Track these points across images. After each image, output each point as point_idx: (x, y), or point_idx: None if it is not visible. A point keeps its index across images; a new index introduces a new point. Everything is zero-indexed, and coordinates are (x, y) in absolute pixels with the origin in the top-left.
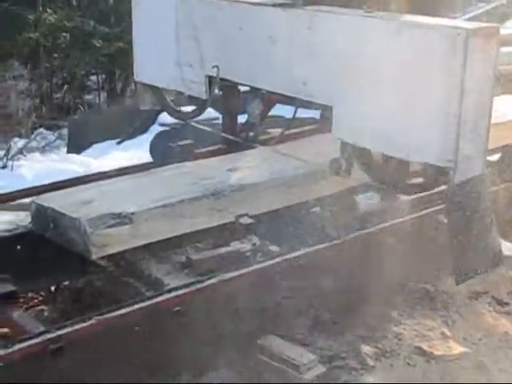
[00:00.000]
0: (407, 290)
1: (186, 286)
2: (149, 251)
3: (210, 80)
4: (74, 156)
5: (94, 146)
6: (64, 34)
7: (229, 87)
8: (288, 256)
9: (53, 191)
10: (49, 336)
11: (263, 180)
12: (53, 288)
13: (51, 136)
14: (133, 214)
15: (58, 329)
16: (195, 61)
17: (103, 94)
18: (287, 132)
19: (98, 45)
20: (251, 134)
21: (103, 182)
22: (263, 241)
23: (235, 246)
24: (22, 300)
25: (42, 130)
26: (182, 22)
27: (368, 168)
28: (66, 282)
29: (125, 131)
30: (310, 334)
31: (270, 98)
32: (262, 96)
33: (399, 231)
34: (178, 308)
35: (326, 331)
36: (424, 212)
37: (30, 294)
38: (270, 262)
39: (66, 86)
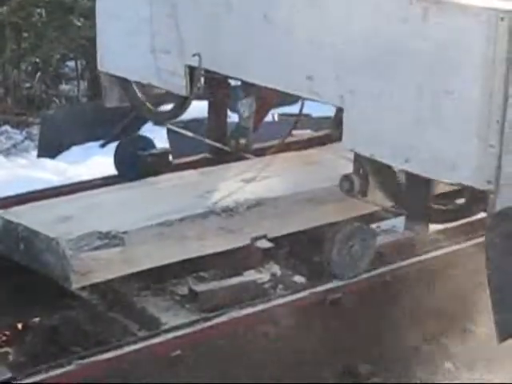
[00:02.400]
0: (460, 336)
1: (187, 325)
2: (143, 281)
3: (192, 71)
4: (46, 161)
5: (72, 148)
6: (38, 10)
7: (215, 81)
8: (316, 289)
9: (21, 204)
10: None
11: (285, 194)
12: (21, 325)
13: (18, 135)
14: (124, 233)
15: (28, 376)
16: (173, 46)
17: (84, 84)
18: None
19: (79, 23)
20: (242, 141)
21: (87, 194)
22: (285, 270)
23: (250, 275)
24: None
25: (6, 127)
26: None
27: (388, 188)
28: (38, 318)
29: (111, 131)
30: None
31: (269, 96)
32: (257, 93)
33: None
34: (177, 352)
35: None
36: (458, 246)
37: None
38: (294, 297)
39: (37, 74)
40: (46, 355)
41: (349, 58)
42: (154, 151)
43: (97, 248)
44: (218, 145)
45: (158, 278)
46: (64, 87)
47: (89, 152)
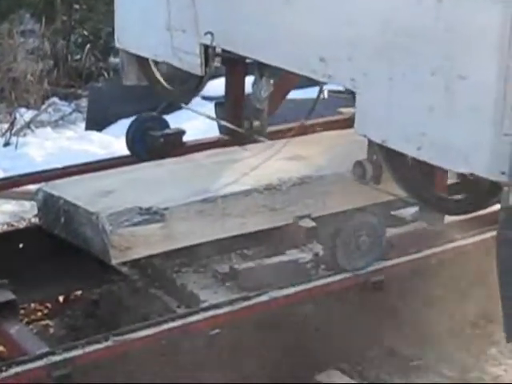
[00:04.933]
0: None
1: (227, 303)
2: (183, 257)
3: (207, 50)
4: (93, 133)
5: (120, 121)
6: None
7: (231, 60)
8: (360, 272)
9: (66, 177)
10: (53, 359)
11: (330, 173)
12: (61, 298)
13: (66, 108)
14: (165, 209)
15: (66, 350)
16: (188, 24)
17: None
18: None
19: None
20: (256, 123)
21: (129, 169)
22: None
23: (292, 255)
24: (22, 312)
25: (55, 99)
26: None
27: (401, 177)
28: (78, 292)
29: (159, 104)
30: (383, 370)
31: (288, 77)
32: (272, 73)
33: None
34: (216, 331)
35: (403, 368)
36: (473, 240)
37: (32, 305)
38: (336, 278)
39: (87, 46)
40: (85, 329)
41: (362, 39)
42: (166, 131)
43: (137, 224)
44: (232, 126)
45: (199, 255)
46: (113, 60)
47: None
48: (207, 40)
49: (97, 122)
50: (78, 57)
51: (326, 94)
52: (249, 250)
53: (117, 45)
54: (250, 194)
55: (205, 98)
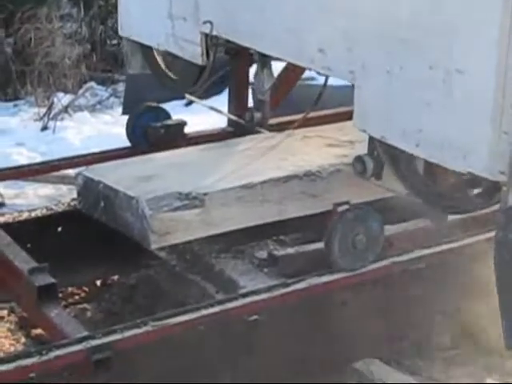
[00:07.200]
0: None
1: (266, 289)
2: (222, 243)
3: (207, 39)
4: None
5: None
6: None
7: (235, 50)
8: (399, 258)
9: (104, 162)
10: (93, 343)
11: None
12: (99, 283)
13: (104, 92)
14: (205, 194)
15: (105, 335)
16: (189, 12)
17: None
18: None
19: None
20: (258, 115)
21: (168, 154)
22: None
23: None
24: (61, 295)
25: (92, 84)
26: None
27: (402, 174)
28: (117, 277)
29: (197, 89)
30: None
31: (294, 68)
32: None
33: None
34: (255, 317)
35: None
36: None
37: (70, 289)
38: (375, 266)
39: None
40: (122, 314)
41: (361, 30)
42: (167, 122)
43: (176, 209)
44: (233, 117)
45: (237, 241)
46: None
47: (173, 110)
48: (207, 29)
49: (134, 106)
50: (116, 41)
51: None
52: (286, 236)
53: (120, 33)
54: (290, 180)
55: None
